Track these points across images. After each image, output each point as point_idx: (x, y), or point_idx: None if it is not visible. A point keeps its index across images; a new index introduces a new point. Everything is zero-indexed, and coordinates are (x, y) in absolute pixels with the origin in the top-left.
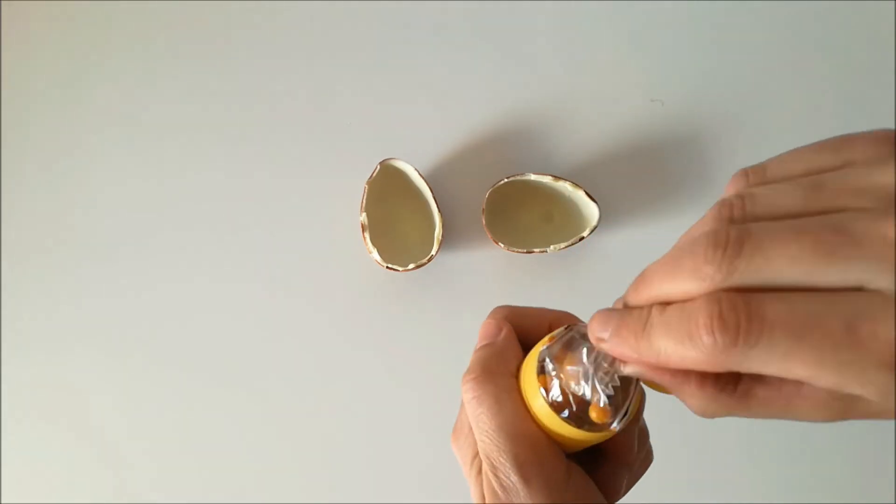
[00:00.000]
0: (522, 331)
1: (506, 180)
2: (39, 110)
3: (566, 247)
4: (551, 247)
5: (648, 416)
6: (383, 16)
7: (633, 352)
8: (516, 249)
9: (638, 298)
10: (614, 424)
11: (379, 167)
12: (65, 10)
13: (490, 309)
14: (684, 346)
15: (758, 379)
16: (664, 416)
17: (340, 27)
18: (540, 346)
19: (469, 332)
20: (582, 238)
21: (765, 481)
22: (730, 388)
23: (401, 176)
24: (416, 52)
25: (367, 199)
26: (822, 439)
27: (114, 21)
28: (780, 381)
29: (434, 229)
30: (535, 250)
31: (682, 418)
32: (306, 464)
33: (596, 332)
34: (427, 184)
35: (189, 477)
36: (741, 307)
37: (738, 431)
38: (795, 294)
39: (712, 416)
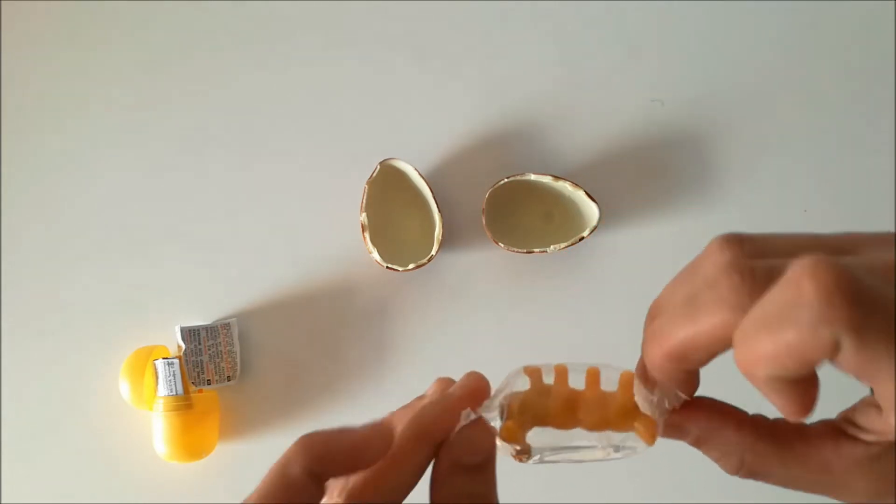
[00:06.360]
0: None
1: (506, 180)
2: (39, 110)
3: (566, 247)
4: (551, 247)
5: None
6: (383, 15)
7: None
8: (516, 249)
9: (656, 353)
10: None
11: (379, 167)
12: (65, 10)
13: (489, 308)
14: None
15: (799, 432)
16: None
17: (340, 27)
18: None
19: (469, 333)
20: (582, 238)
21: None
22: (767, 436)
23: (401, 176)
24: (416, 52)
25: (367, 199)
26: None
27: (113, 22)
28: (820, 439)
29: (434, 229)
30: (535, 250)
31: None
32: None
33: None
34: (427, 184)
35: None
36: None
37: None
38: None
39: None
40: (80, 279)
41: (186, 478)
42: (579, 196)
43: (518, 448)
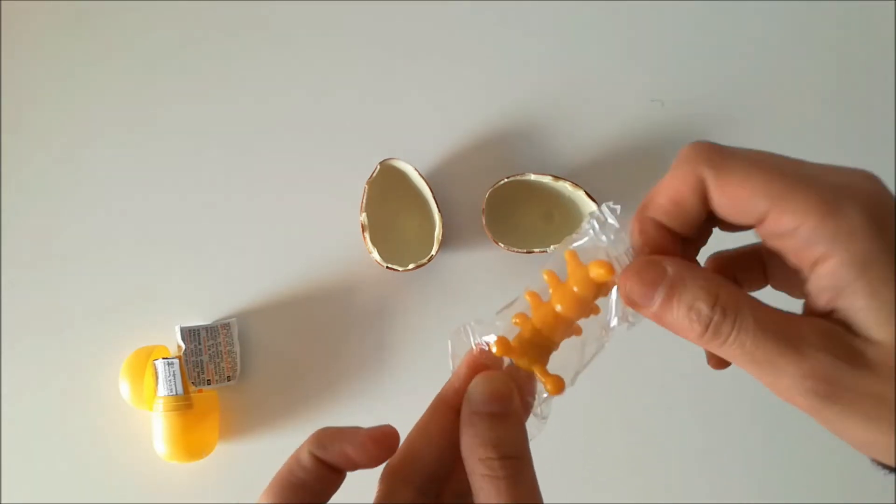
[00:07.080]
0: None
1: (506, 180)
2: (39, 110)
3: None
4: (551, 247)
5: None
6: (383, 16)
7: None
8: (516, 249)
9: None
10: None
11: (379, 167)
12: (65, 10)
13: (489, 308)
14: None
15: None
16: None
17: (340, 27)
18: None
19: None
20: None
21: (766, 481)
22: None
23: (401, 176)
24: (416, 52)
25: (367, 199)
26: (825, 438)
27: (113, 23)
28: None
29: (434, 229)
30: (535, 250)
31: (683, 414)
32: None
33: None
34: (427, 184)
35: None
36: None
37: (739, 429)
38: None
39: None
40: (80, 279)
41: (186, 478)
42: (579, 196)
43: (561, 388)
